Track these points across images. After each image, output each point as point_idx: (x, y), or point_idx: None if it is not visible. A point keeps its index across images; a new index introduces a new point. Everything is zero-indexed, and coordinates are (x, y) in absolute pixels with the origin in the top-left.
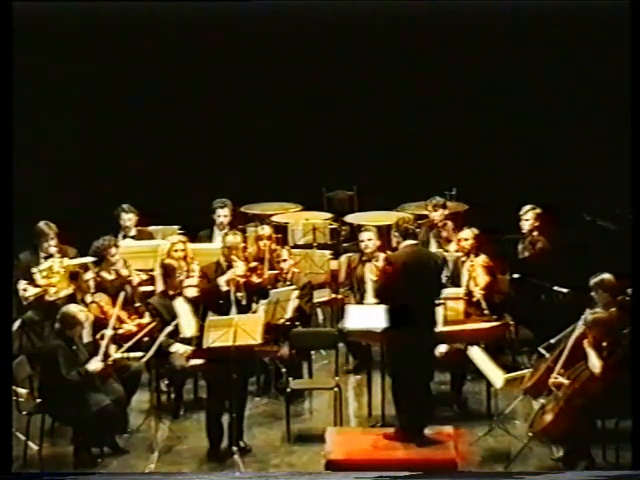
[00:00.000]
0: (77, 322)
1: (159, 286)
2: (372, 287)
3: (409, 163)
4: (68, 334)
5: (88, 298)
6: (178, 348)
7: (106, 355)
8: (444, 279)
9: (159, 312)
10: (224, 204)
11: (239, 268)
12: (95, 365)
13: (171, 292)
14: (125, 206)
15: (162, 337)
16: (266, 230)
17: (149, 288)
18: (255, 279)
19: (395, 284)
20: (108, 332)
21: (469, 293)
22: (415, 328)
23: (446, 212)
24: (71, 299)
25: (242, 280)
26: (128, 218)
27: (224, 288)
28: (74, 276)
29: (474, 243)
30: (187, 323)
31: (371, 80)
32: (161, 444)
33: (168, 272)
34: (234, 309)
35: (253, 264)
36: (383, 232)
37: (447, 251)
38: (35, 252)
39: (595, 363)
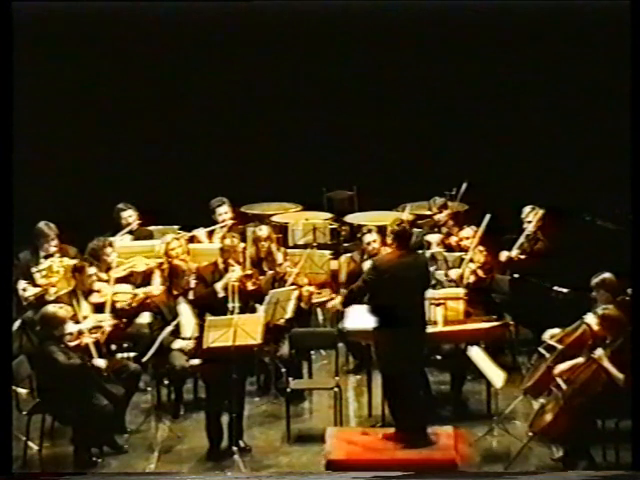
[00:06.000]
0: (59, 320)
1: (156, 286)
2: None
3: (409, 163)
4: (55, 334)
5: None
6: (181, 344)
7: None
8: (444, 278)
9: (161, 311)
10: (222, 202)
11: (235, 273)
12: (100, 362)
13: (175, 292)
14: (122, 205)
15: (163, 336)
16: (264, 231)
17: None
18: (250, 286)
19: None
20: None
21: (469, 292)
22: (400, 330)
23: (449, 212)
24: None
25: (237, 285)
26: (129, 215)
27: (221, 294)
28: (79, 270)
29: (475, 242)
30: (187, 323)
31: (371, 80)
32: (161, 444)
33: (175, 273)
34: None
35: (248, 272)
36: (383, 232)
37: (451, 247)
38: (35, 252)
39: (618, 376)
